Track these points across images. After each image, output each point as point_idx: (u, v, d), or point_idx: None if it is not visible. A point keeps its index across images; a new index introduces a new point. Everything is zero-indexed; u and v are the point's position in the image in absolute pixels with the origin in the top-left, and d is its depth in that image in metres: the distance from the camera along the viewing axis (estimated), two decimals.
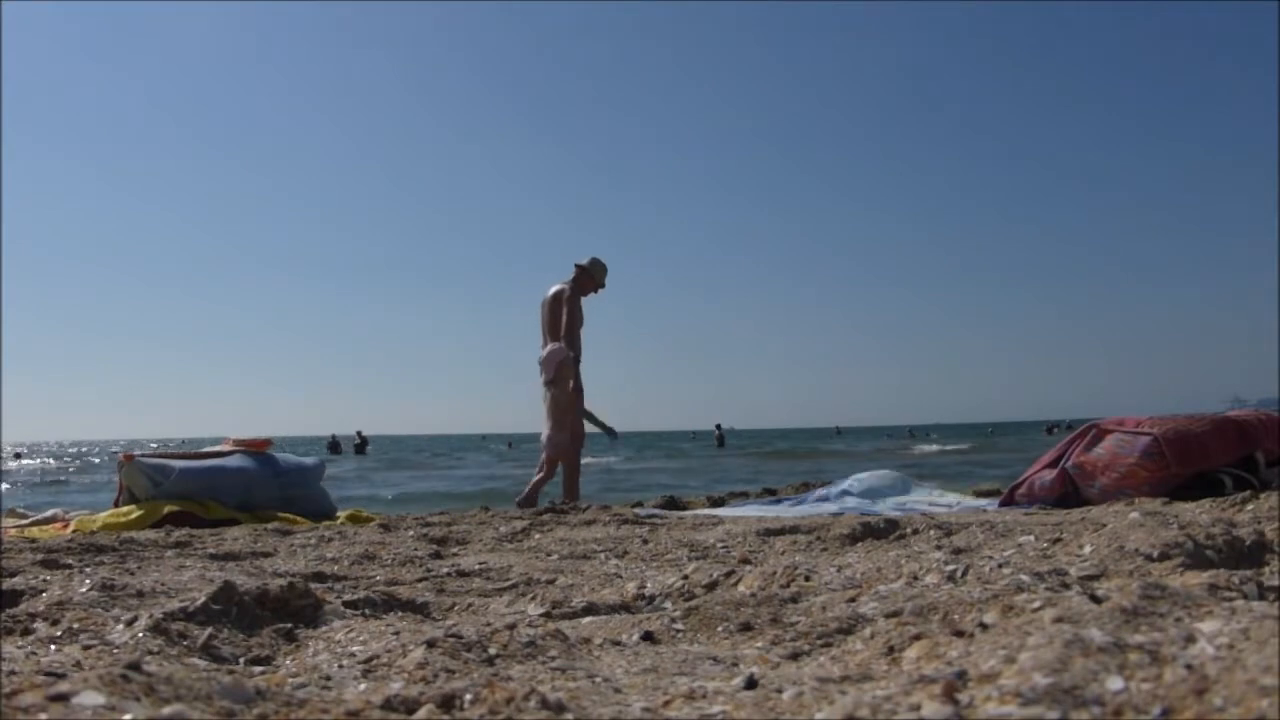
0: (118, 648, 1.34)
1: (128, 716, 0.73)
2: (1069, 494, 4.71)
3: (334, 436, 40.39)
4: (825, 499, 5.50)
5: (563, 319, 6.88)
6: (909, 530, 2.75)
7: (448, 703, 0.92)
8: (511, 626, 1.40)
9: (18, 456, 45.15)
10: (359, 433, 39.99)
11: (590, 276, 7.14)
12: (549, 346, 6.92)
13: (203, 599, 1.55)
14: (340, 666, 1.27)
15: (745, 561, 2.38)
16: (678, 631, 1.53)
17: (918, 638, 1.19)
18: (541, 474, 6.85)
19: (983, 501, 5.35)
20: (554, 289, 7.09)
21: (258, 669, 1.33)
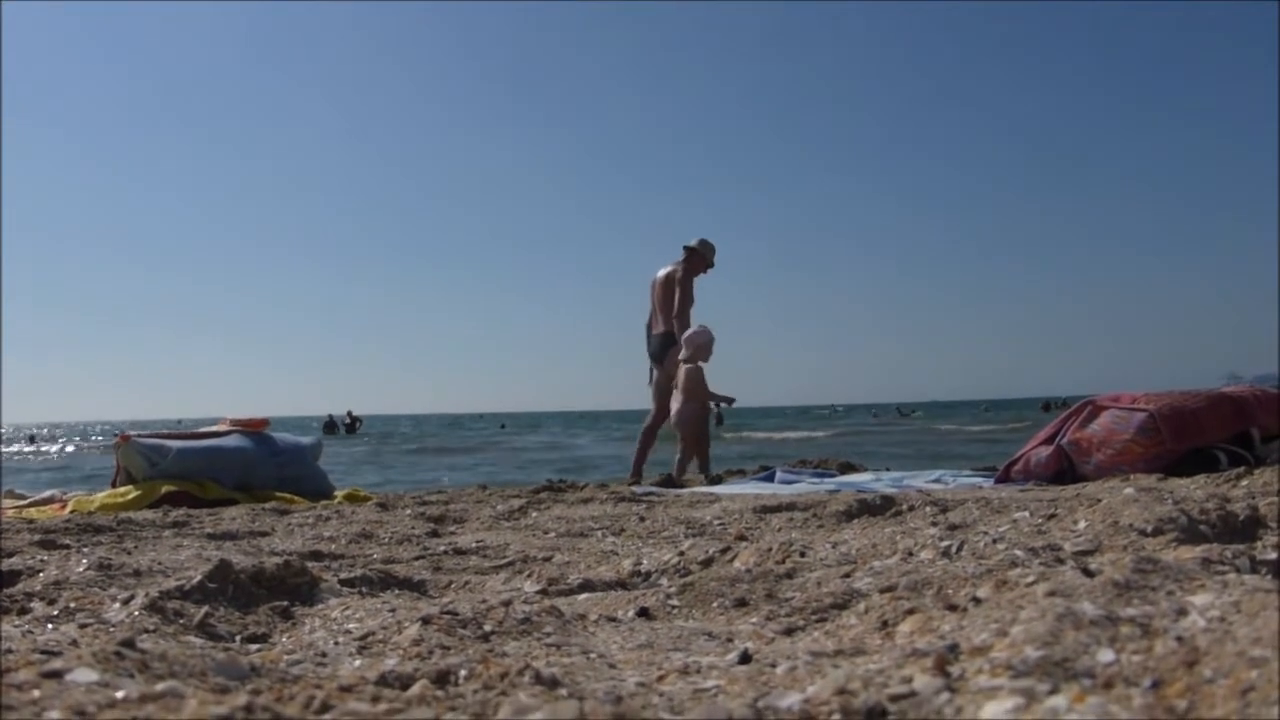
0: (114, 626, 1.34)
1: (120, 693, 0.73)
2: (1064, 470, 4.72)
3: (330, 416, 40.40)
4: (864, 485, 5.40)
5: (676, 300, 7.13)
6: (905, 507, 2.76)
7: (442, 678, 0.93)
8: (507, 603, 1.40)
9: (32, 439, 45.04)
10: (349, 412, 40.04)
11: (701, 257, 7.31)
12: (693, 328, 7.21)
13: (199, 577, 1.55)
14: (336, 643, 1.28)
15: (741, 538, 2.38)
16: (673, 607, 1.54)
17: (911, 612, 1.20)
18: (684, 448, 7.15)
19: (979, 478, 5.36)
20: (665, 271, 7.29)
21: (253, 646, 1.33)
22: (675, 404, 7.19)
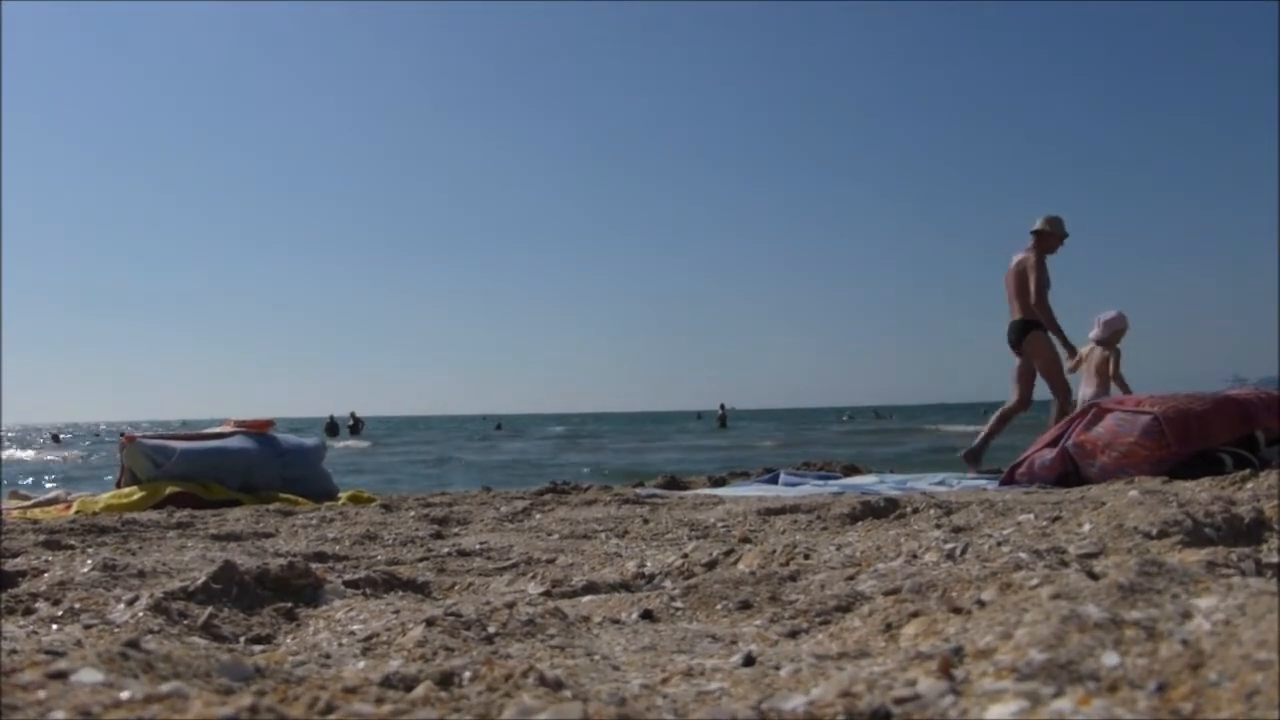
0: (119, 627, 1.34)
1: (125, 693, 0.73)
2: (1069, 473, 4.72)
3: (332, 417, 40.37)
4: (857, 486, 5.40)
5: (1032, 285, 7.04)
6: (909, 509, 2.76)
7: (446, 680, 0.93)
8: (511, 605, 1.40)
9: (56, 439, 45.11)
10: (353, 413, 40.02)
11: (1051, 235, 7.20)
12: (1105, 314, 7.34)
13: (203, 578, 1.55)
14: (340, 645, 1.28)
15: (745, 540, 2.38)
16: (677, 610, 1.54)
17: (915, 615, 1.20)
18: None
19: (983, 481, 5.36)
20: (1017, 258, 7.27)
21: (258, 647, 1.33)
22: (1087, 388, 7.18)
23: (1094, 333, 7.28)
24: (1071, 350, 7.12)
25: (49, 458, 26.38)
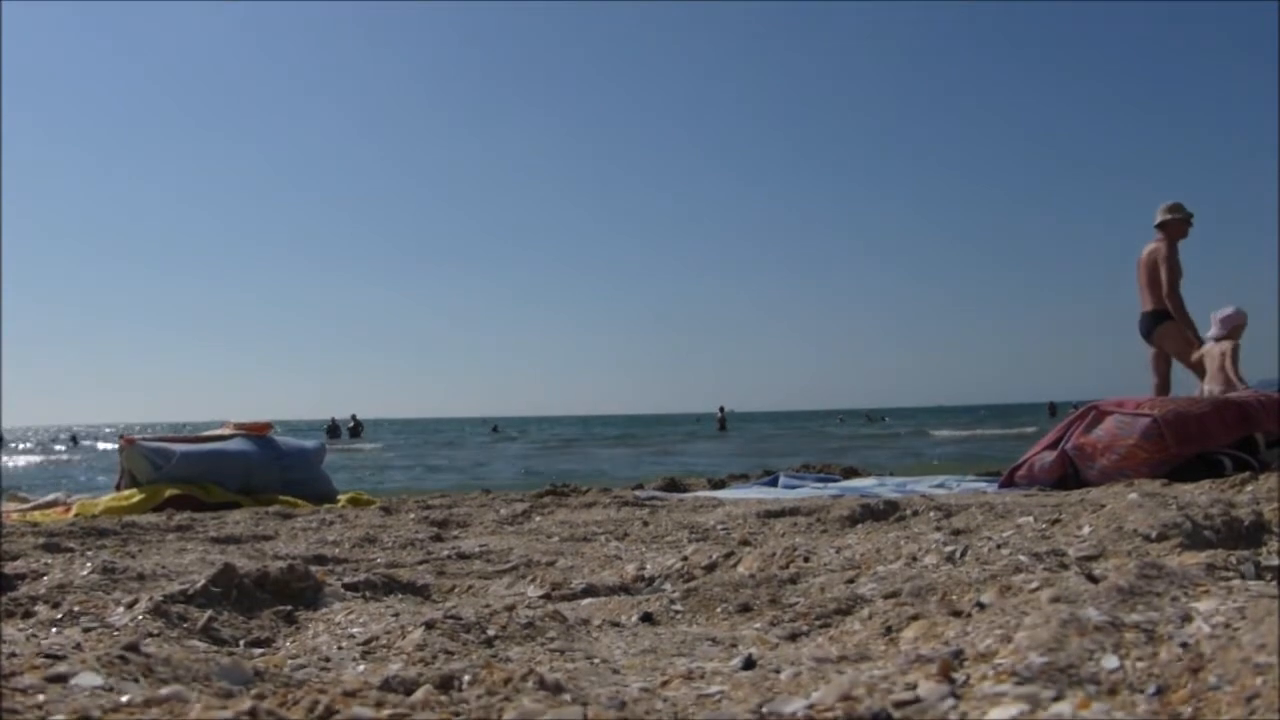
0: (118, 630, 1.34)
1: (125, 697, 0.73)
2: (1069, 475, 4.71)
3: (333, 420, 40.37)
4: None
5: (1164, 277, 7.02)
6: (909, 512, 2.76)
7: (446, 684, 0.93)
8: (510, 608, 1.40)
9: (74, 440, 45.16)
10: (353, 416, 40.06)
11: (1177, 223, 7.16)
12: (1223, 311, 7.22)
13: (203, 581, 1.55)
14: (340, 648, 1.28)
15: (745, 543, 2.38)
16: (677, 613, 1.54)
17: (915, 618, 1.20)
18: None
19: (983, 483, 5.36)
20: (1147, 249, 7.22)
21: (257, 651, 1.33)
22: (1210, 385, 7.11)
23: (1212, 331, 7.24)
24: (1198, 342, 7.08)
25: (63, 459, 26.34)
